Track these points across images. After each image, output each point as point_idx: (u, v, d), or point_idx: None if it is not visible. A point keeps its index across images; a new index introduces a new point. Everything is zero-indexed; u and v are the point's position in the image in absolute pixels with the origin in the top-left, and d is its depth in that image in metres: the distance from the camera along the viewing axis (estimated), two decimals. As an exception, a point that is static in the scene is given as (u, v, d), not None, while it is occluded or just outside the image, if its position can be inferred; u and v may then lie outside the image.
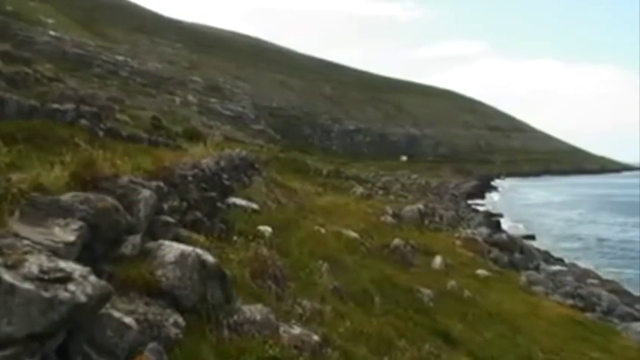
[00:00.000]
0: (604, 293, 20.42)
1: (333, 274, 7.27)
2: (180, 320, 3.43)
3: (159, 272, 3.62)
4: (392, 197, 36.40)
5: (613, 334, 14.17)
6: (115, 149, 6.53)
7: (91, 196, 3.59)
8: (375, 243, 14.33)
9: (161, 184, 5.38)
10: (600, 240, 40.63)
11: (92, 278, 2.64)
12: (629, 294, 22.71)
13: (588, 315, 16.54)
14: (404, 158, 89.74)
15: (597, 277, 25.46)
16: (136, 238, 3.82)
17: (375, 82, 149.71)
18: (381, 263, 11.54)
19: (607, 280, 24.85)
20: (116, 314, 2.86)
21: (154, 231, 4.61)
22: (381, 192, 39.24)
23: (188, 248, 3.92)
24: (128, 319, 2.89)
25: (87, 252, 3.24)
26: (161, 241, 4.02)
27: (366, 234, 14.95)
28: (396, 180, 60.95)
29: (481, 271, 16.45)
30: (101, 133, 12.07)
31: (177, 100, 59.68)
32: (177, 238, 4.77)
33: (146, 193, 4.37)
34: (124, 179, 4.33)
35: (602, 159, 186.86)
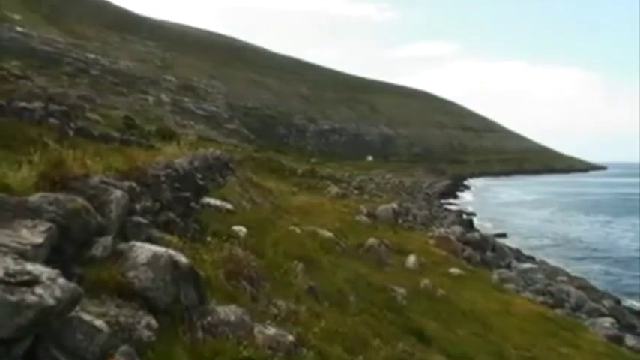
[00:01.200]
0: (572, 290, 20.93)
1: (308, 274, 7.27)
2: (153, 322, 3.38)
3: (131, 274, 3.56)
4: (366, 197, 36.60)
5: (581, 329, 14.53)
6: (86, 149, 6.41)
7: (61, 196, 3.51)
8: (350, 242, 14.39)
9: (133, 184, 5.30)
10: (569, 238, 41.63)
11: (61, 281, 2.58)
12: (596, 290, 23.33)
13: (558, 311, 16.93)
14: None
15: (566, 274, 26.08)
16: (107, 240, 3.76)
17: (350, 83, 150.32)
18: (355, 263, 11.60)
19: (575, 277, 25.48)
20: (86, 317, 2.80)
21: (126, 232, 4.53)
22: (355, 192, 39.42)
23: (161, 249, 3.87)
24: (99, 322, 2.83)
25: (56, 254, 3.17)
26: (133, 243, 3.95)
27: (341, 234, 14.99)
28: (371, 180, 61.34)
29: (454, 270, 16.66)
30: (71, 133, 11.82)
31: (150, 99, 58.90)
32: (150, 239, 4.71)
33: (118, 193, 4.29)
34: (95, 179, 4.25)
35: (570, 159, 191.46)
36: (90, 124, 15.27)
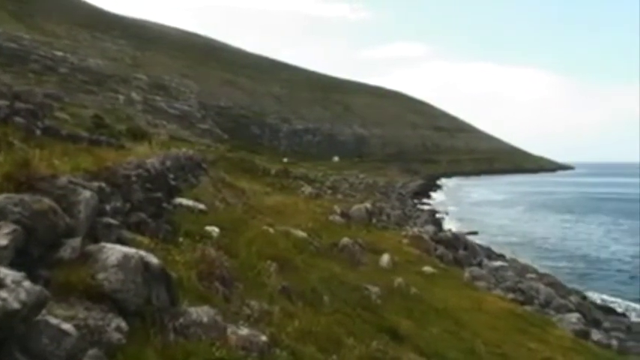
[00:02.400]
0: (542, 287, 21.39)
1: (282, 274, 7.25)
2: (123, 325, 3.32)
3: (100, 276, 3.49)
4: (340, 197, 36.73)
5: (549, 325, 14.86)
6: (54, 149, 6.27)
7: (26, 197, 3.42)
8: (324, 242, 14.41)
9: (103, 184, 5.20)
10: (537, 236, 42.55)
11: (26, 284, 2.52)
12: (563, 287, 23.89)
13: (527, 308, 17.27)
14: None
15: (535, 271, 26.63)
16: (75, 241, 3.67)
17: (324, 83, 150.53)
18: (329, 262, 11.61)
19: (544, 274, 26.04)
20: (53, 321, 2.73)
21: (96, 233, 4.44)
22: (329, 191, 39.52)
23: (131, 250, 3.80)
24: (66, 326, 2.77)
25: (22, 256, 3.08)
26: (103, 244, 3.88)
27: (315, 233, 15.00)
28: (345, 180, 61.56)
29: (427, 268, 16.85)
30: (38, 132, 11.51)
31: (121, 98, 57.93)
32: (120, 240, 4.62)
33: (87, 194, 4.20)
34: (63, 180, 4.15)
35: (539, 159, 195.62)
36: (58, 123, 14.91)
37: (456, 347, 9.22)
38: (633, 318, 21.41)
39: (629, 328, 19.13)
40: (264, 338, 4.35)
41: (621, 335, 17.40)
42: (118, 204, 5.63)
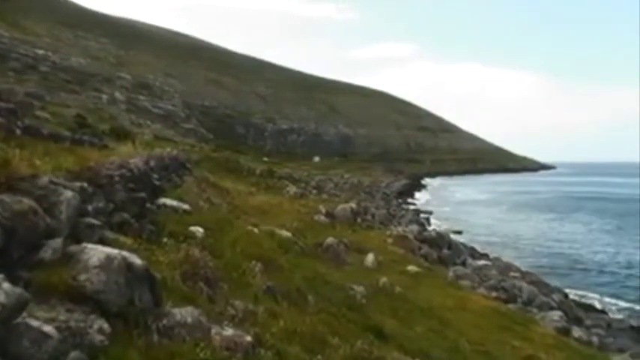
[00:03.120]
0: (524, 285, 21.61)
1: (267, 274, 7.23)
2: (106, 326, 3.29)
3: (82, 277, 3.45)
4: (325, 196, 36.76)
5: (532, 323, 15.04)
6: (35, 148, 6.18)
7: (6, 198, 3.37)
8: (309, 242, 14.41)
9: (85, 184, 5.14)
10: (520, 235, 43.02)
11: (6, 286, 2.48)
12: (546, 285, 24.18)
13: (511, 306, 17.46)
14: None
15: (518, 270, 26.90)
16: (56, 242, 3.63)
17: (308, 82, 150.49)
18: (314, 262, 11.62)
19: (527, 273, 26.32)
20: (34, 323, 2.70)
21: (78, 234, 4.39)
22: (314, 191, 39.51)
23: (114, 251, 3.77)
24: (47, 328, 2.73)
25: (1, 258, 3.04)
26: (85, 245, 3.83)
27: (300, 233, 14.99)
28: (329, 179, 61.60)
29: (412, 268, 16.94)
30: (18, 131, 11.33)
31: (104, 97, 57.26)
32: (103, 241, 4.58)
33: (68, 194, 4.15)
34: (44, 180, 4.10)
35: (522, 159, 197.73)
36: (39, 123, 14.68)
37: (441, 346, 9.29)
38: (613, 315, 21.78)
39: (609, 325, 19.45)
40: (248, 338, 4.34)
41: (601, 332, 17.69)
42: (101, 204, 5.57)
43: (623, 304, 23.63)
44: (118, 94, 63.00)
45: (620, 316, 21.56)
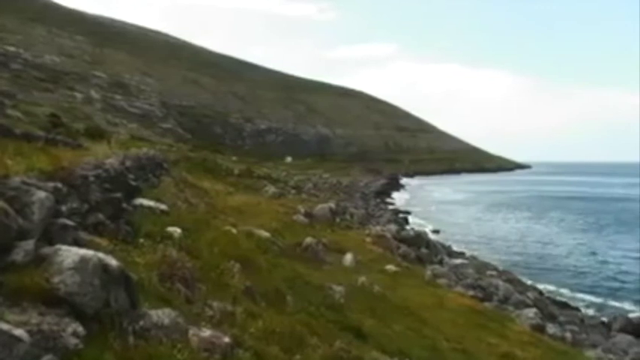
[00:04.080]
0: (501, 283, 21.94)
1: (245, 275, 7.19)
2: (80, 329, 3.22)
3: (56, 279, 3.38)
4: (304, 196, 36.76)
5: (508, 320, 15.28)
6: (6, 148, 6.03)
7: (-24, 198, 3.28)
8: (288, 242, 14.40)
9: (59, 185, 5.04)
10: (496, 233, 43.66)
11: (-24, 288, 2.42)
12: (522, 283, 24.61)
13: (487, 304, 17.69)
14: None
15: (495, 268, 27.31)
16: (29, 244, 3.55)
17: (287, 82, 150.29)
18: (293, 262, 11.61)
19: (503, 271, 26.74)
20: (4, 327, 2.63)
21: (51, 235, 4.30)
22: (293, 191, 39.46)
23: (89, 252, 3.70)
24: (19, 331, 2.67)
25: (-29, 260, 2.96)
26: (58, 246, 3.76)
27: (279, 233, 14.97)
28: (308, 179, 61.59)
29: (390, 267, 17.05)
30: (-10, 131, 11.06)
31: (79, 96, 56.30)
32: (78, 242, 4.49)
33: (41, 194, 4.07)
34: (16, 180, 4.01)
35: (499, 158, 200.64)
36: (11, 122, 14.35)
37: (419, 344, 9.37)
38: (586, 311, 22.25)
39: (582, 321, 19.87)
40: (227, 339, 4.31)
41: (575, 328, 18.06)
42: (75, 205, 5.48)
43: (595, 299, 24.18)
44: (93, 93, 62.02)
45: (592, 313, 22.04)
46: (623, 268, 30.81)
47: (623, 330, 18.61)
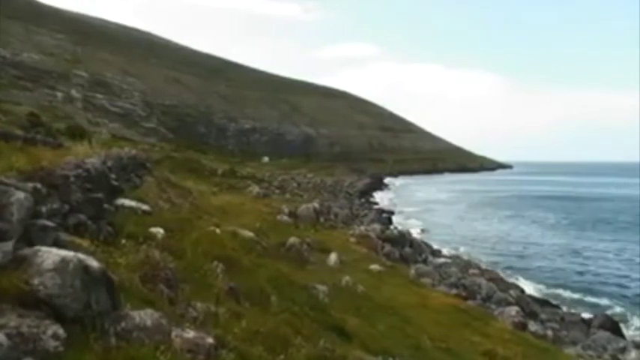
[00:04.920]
0: (484, 282, 22.14)
1: (229, 275, 7.16)
2: (61, 332, 3.18)
3: (35, 281, 3.33)
4: (288, 196, 36.72)
5: (491, 318, 15.43)
6: (-17, 148, 5.93)
7: (-47, 199, 3.22)
8: (272, 242, 14.37)
9: (38, 185, 4.97)
10: (480, 233, 44.07)
11: (-47, 291, 2.37)
12: (504, 281, 24.87)
13: (470, 302, 17.84)
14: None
15: (478, 267, 27.56)
16: (7, 245, 3.49)
17: (271, 82, 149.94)
18: (277, 262, 11.58)
19: (486, 270, 27.00)
20: (-18, 329, 2.59)
21: (30, 236, 4.24)
22: (277, 191, 39.40)
23: (69, 253, 3.65)
24: (-3, 334, 2.63)
25: (-53, 262, 2.90)
26: (38, 247, 3.70)
27: (263, 233, 14.93)
28: (292, 179, 61.50)
29: (374, 266, 17.11)
30: (-33, 130, 10.85)
31: (59, 95, 55.53)
32: (58, 243, 4.43)
33: (20, 195, 4.00)
34: (-6, 180, 3.94)
35: (481, 158, 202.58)
36: (-11, 121, 14.11)
37: (403, 343, 9.41)
38: (566, 309, 22.58)
39: (563, 319, 20.15)
40: (210, 340, 4.28)
41: (556, 326, 18.31)
42: (55, 205, 5.40)
43: (575, 297, 24.56)
44: (74, 92, 61.20)
45: (572, 310, 22.37)
46: (603, 266, 31.35)
47: (602, 327, 18.92)
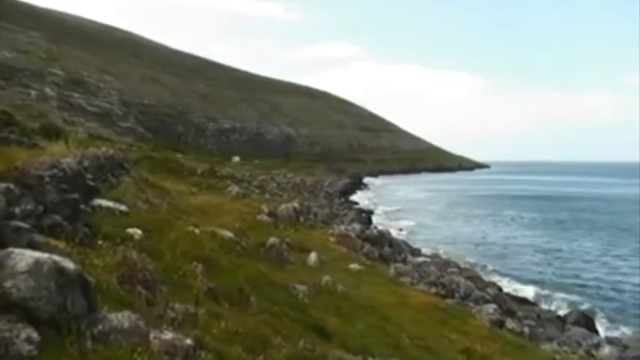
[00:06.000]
0: (462, 280, 22.36)
1: (208, 276, 7.11)
2: (35, 335, 3.12)
3: (8, 283, 3.26)
4: (268, 196, 36.60)
5: (469, 316, 15.60)
6: (-46, 147, 5.80)
7: None
8: (251, 242, 14.30)
9: (12, 186, 4.88)
10: (458, 231, 44.59)
11: None
12: (482, 279, 25.17)
13: (449, 301, 18.00)
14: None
15: (457, 265, 27.82)
16: (-21, 247, 3.42)
17: (251, 81, 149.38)
18: (257, 262, 11.53)
19: (464, 268, 27.28)
20: (-47, 333, 2.53)
21: (4, 238, 4.16)
22: (257, 191, 39.23)
23: (44, 255, 3.59)
24: (-32, 338, 2.57)
25: None
26: (11, 249, 3.63)
27: (242, 233, 14.85)
28: (272, 179, 61.34)
29: (354, 266, 17.15)
30: (-63, 129, 10.59)
31: (33, 93, 54.50)
32: (32, 245, 4.36)
33: (-8, 195, 3.92)
34: (-35, 181, 3.85)
35: (459, 158, 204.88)
36: (-40, 120, 13.77)
37: (382, 342, 9.46)
38: (543, 306, 22.98)
39: (539, 316, 20.49)
40: (188, 341, 4.25)
41: (532, 323, 18.60)
42: (29, 206, 5.30)
43: (552, 294, 25.01)
44: (48, 91, 60.13)
45: (548, 307, 22.78)
46: (579, 263, 32.00)
47: (577, 323, 19.30)
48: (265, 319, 6.66)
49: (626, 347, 15.56)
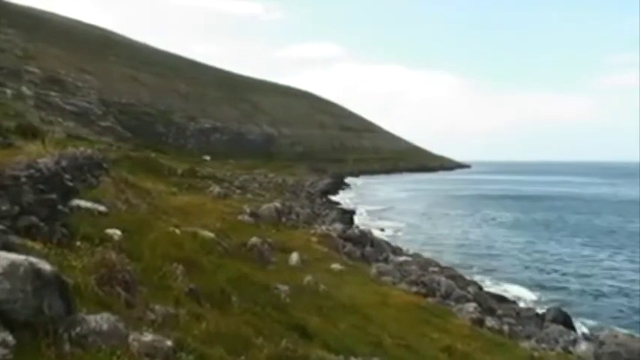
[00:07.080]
0: (443, 279, 22.55)
1: (189, 276, 7.04)
2: (10, 339, 3.06)
3: (-17, 286, 3.19)
4: (249, 196, 36.45)
5: (450, 315, 15.74)
6: None
7: None
8: (233, 242, 14.23)
9: (-14, 186, 4.77)
10: (439, 231, 44.99)
11: None
12: (463, 278, 25.42)
13: (430, 300, 18.15)
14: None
15: (437, 264, 28.05)
16: (-48, 249, 3.34)
17: (232, 81, 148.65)
18: (238, 262, 11.47)
19: (445, 267, 27.52)
20: None
21: (-22, 239, 4.06)
22: (238, 191, 39.04)
23: (20, 257, 3.52)
24: (-59, 342, 2.51)
25: None
26: (-14, 251, 3.55)
27: (223, 234, 14.76)
28: (254, 179, 61.10)
29: (335, 266, 17.19)
30: None
31: (9, 92, 53.45)
32: (7, 247, 4.27)
33: (-34, 196, 3.84)
34: (-63, 181, 3.76)
35: (440, 158, 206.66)
36: None
37: (364, 341, 9.49)
38: (522, 304, 23.31)
39: (519, 314, 20.78)
40: (169, 343, 4.21)
41: (512, 321, 18.86)
42: (5, 207, 5.21)
43: (530, 293, 25.42)
44: (25, 89, 59.04)
45: (527, 305, 23.11)
46: (557, 262, 32.53)
47: (554, 321, 19.61)
48: (247, 319, 6.63)
49: (602, 343, 15.84)
